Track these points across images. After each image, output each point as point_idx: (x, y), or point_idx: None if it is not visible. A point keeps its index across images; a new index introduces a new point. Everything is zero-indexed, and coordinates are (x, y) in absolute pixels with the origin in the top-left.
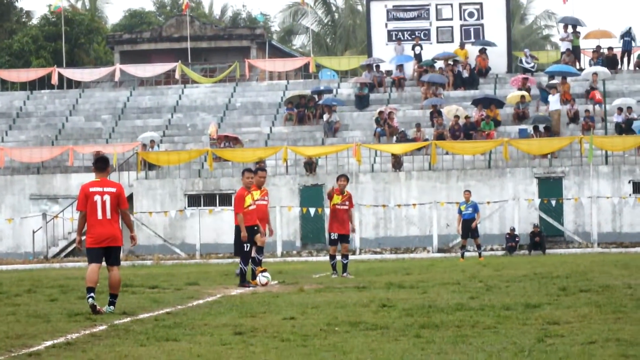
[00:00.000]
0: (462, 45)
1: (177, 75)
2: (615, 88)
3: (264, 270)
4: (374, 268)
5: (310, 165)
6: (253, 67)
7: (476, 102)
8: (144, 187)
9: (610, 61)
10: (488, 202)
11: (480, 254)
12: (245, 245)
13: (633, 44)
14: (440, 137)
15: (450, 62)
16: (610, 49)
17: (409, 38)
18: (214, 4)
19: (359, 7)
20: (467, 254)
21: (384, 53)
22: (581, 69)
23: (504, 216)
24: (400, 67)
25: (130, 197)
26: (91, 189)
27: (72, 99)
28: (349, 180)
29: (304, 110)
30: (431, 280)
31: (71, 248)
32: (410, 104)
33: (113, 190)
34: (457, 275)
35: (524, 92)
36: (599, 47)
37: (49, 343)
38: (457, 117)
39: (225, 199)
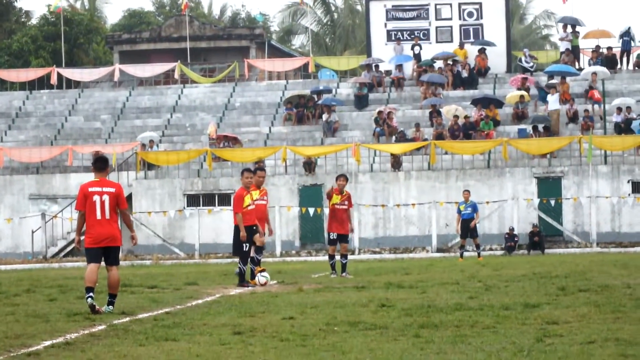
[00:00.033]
0: (461, 45)
1: (176, 75)
2: (615, 88)
3: (263, 270)
4: (373, 268)
5: (310, 165)
6: (252, 67)
7: (475, 102)
8: (143, 187)
9: (609, 61)
10: (487, 202)
11: (479, 253)
12: (244, 245)
13: (632, 43)
14: (439, 137)
15: (450, 62)
16: (609, 48)
17: (408, 38)
18: (213, 4)
19: (358, 7)
20: (466, 253)
21: (383, 53)
22: (580, 69)
23: (503, 216)
24: (399, 67)
25: (130, 197)
26: (90, 189)
27: (71, 99)
28: (348, 180)
29: (303, 110)
30: (430, 280)
31: (70, 248)
32: (409, 103)
33: (112, 190)
34: (456, 275)
35: (523, 92)
36: (598, 46)
37: (48, 343)
38: (456, 117)
39: (224, 199)
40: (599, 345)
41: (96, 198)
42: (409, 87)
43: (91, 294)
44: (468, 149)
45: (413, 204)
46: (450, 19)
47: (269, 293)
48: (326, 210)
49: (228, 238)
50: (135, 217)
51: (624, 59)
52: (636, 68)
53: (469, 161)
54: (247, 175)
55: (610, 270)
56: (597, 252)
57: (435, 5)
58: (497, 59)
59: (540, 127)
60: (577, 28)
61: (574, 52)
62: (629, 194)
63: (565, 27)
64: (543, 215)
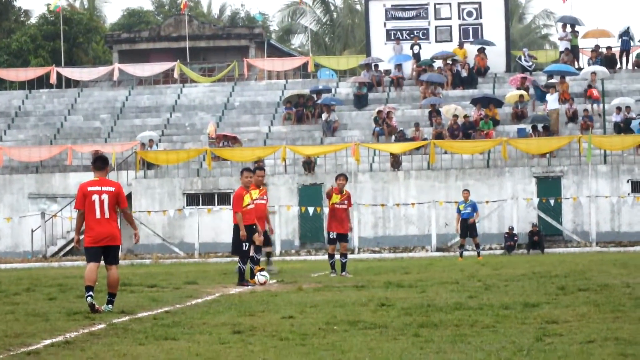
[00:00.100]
0: (460, 45)
1: (175, 75)
2: (614, 87)
3: (262, 270)
4: (373, 267)
5: (309, 165)
6: (252, 66)
7: (475, 102)
8: (143, 187)
9: (608, 60)
10: (487, 202)
11: (478, 253)
12: (243, 244)
13: (631, 43)
14: (439, 136)
15: (449, 61)
16: (608, 48)
17: (408, 37)
18: (213, 3)
19: (358, 7)
20: (465, 253)
21: (383, 52)
22: (580, 69)
23: (502, 215)
24: (398, 67)
25: (129, 196)
26: (89, 188)
27: (70, 98)
28: (348, 179)
29: (303, 109)
30: (430, 280)
31: (70, 247)
32: (409, 103)
33: (111, 189)
34: (455, 275)
35: (523, 92)
36: (597, 46)
37: (47, 342)
38: (455, 116)
39: (224, 198)
40: (598, 344)
41: (95, 197)
42: (408, 87)
43: (91, 293)
44: (467, 148)
45: (412, 204)
46: (450, 18)
47: (268, 292)
48: (326, 210)
49: (228, 237)
50: (135, 216)
51: (623, 59)
52: (635, 68)
53: (469, 161)
54: (247, 174)
55: (609, 269)
56: (596, 251)
57: (435, 4)
58: (496, 59)
59: (540, 126)
60: (577, 27)
61: (573, 52)
62: (629, 194)
63: (564, 26)
64: (542, 215)
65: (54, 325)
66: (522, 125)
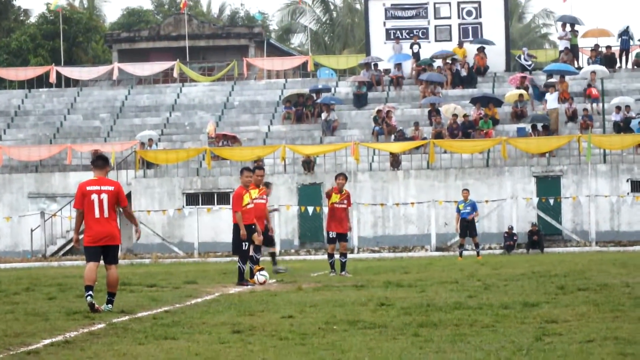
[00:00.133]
0: (460, 44)
1: (175, 74)
2: (614, 87)
3: (262, 269)
4: (372, 267)
5: (309, 164)
6: (251, 65)
7: (474, 101)
8: (142, 186)
9: (608, 60)
10: (486, 201)
11: (478, 252)
12: (243, 244)
13: (631, 42)
14: (438, 135)
15: (449, 60)
16: (608, 47)
17: (407, 37)
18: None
19: (357, 6)
20: (465, 252)
21: (382, 52)
22: (579, 68)
23: (502, 215)
24: (398, 66)
25: (129, 196)
26: (88, 188)
27: (70, 97)
28: (347, 179)
29: (302, 108)
30: (429, 279)
31: (69, 246)
32: (408, 102)
33: (111, 188)
34: (455, 274)
35: (522, 91)
36: (597, 45)
37: (47, 341)
38: (455, 115)
39: (223, 198)
40: (598, 344)
41: (94, 197)
42: (408, 86)
43: (90, 292)
44: (467, 147)
45: (412, 203)
46: (449, 17)
47: (268, 292)
48: (325, 209)
49: (227, 237)
50: (135, 216)
51: (623, 58)
52: (635, 67)
53: (468, 160)
54: (247, 174)
55: (609, 269)
56: (596, 251)
57: (434, 4)
58: (496, 58)
59: (539, 126)
60: (576, 27)
61: (573, 51)
62: (628, 193)
63: (564, 25)
64: (542, 214)
65: (53, 325)
66: (521, 125)
